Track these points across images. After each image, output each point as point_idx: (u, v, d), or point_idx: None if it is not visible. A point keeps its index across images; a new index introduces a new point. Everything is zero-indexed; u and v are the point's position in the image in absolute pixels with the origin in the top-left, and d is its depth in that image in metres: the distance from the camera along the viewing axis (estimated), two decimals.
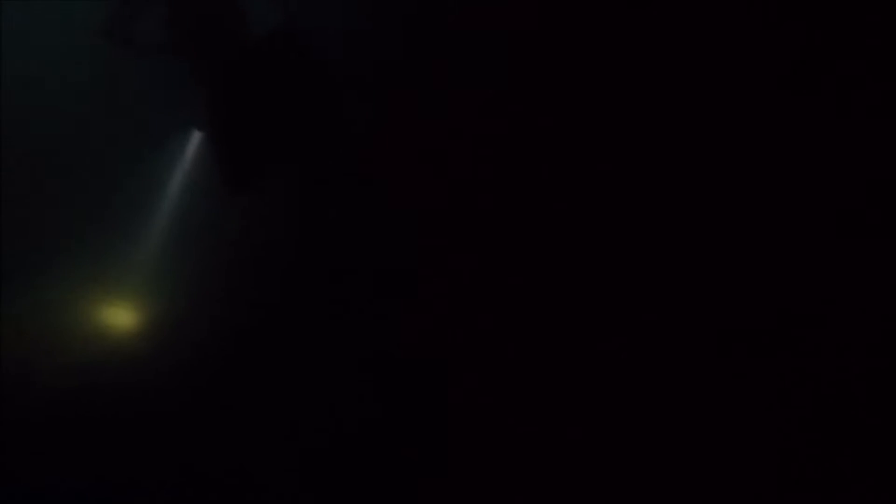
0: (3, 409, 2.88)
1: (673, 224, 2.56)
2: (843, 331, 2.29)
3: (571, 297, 2.64)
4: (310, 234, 3.02)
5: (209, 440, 2.89)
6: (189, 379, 2.94)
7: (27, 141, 3.06)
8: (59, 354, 3.00)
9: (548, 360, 2.64)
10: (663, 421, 2.45)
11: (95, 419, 2.92)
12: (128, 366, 3.01)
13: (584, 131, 2.66)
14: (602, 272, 2.62)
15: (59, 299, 3.05)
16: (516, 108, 2.75)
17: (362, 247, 2.94)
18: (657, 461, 2.42)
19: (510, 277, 2.70)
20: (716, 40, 2.54)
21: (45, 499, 2.80)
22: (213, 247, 3.05)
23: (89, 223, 3.07)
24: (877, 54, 2.32)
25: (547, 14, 2.69)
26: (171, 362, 2.97)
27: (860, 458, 2.20)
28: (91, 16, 2.77)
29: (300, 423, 2.85)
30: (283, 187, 3.01)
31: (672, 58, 2.56)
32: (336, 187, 3.00)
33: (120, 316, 3.09)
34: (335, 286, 2.95)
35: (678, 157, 2.59)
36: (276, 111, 2.81)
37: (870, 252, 2.29)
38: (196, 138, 3.07)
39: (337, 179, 3.00)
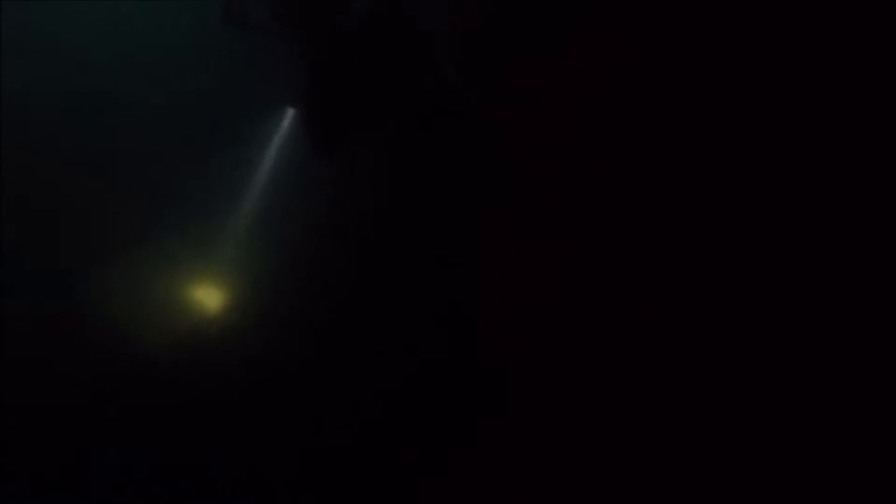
0: (85, 391, 2.87)
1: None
2: (844, 331, 2.30)
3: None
4: (401, 221, 2.96)
5: (289, 426, 2.82)
6: (270, 363, 2.89)
7: (118, 122, 3.09)
8: (143, 336, 2.98)
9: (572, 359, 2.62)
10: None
11: (174, 402, 2.88)
12: (209, 349, 2.97)
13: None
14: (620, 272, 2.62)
15: (146, 279, 3.04)
16: (612, 90, 2.70)
17: (459, 232, 2.86)
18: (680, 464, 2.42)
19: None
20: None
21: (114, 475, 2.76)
22: (301, 231, 3.02)
23: (178, 205, 3.07)
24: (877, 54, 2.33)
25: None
26: (253, 345, 2.93)
27: (860, 458, 2.21)
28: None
29: (385, 411, 2.78)
30: (375, 170, 2.98)
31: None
32: (431, 168, 2.94)
33: (205, 297, 3.07)
34: (425, 274, 2.87)
35: (685, 157, 2.60)
36: (374, 87, 2.80)
37: (870, 252, 2.30)
38: (289, 117, 3.06)
39: (433, 160, 2.95)
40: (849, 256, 2.33)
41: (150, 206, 3.06)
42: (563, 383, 2.59)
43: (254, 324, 2.95)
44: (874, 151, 2.35)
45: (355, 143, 2.91)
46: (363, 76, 2.80)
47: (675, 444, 2.43)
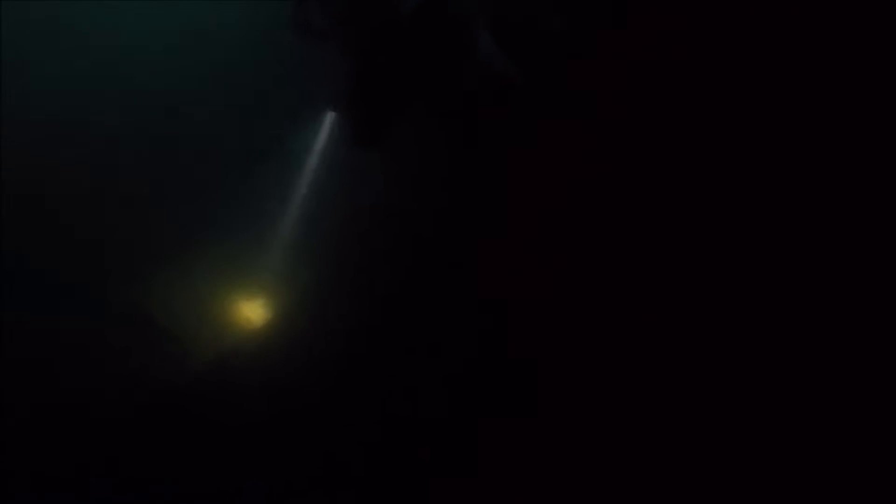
0: (136, 405, 2.83)
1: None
2: (844, 331, 2.30)
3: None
4: (443, 221, 2.93)
5: (337, 439, 2.78)
6: (322, 376, 2.85)
7: (162, 128, 3.10)
8: (188, 349, 2.95)
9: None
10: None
11: (222, 418, 2.84)
12: (258, 362, 2.93)
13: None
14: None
15: (191, 291, 3.02)
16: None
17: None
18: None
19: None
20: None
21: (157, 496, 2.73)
22: (346, 238, 2.99)
23: (221, 215, 3.05)
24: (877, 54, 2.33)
25: None
26: (302, 358, 2.88)
27: (860, 458, 2.21)
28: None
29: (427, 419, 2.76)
30: (416, 167, 2.95)
31: None
32: (471, 169, 2.92)
33: (251, 309, 3.03)
34: (473, 278, 2.84)
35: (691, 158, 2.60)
36: (417, 83, 2.82)
37: (870, 252, 2.30)
38: (329, 121, 3.06)
39: (474, 160, 2.93)
40: (849, 256, 2.33)
41: (195, 214, 3.05)
42: (587, 383, 2.58)
43: (302, 331, 2.92)
44: (874, 152, 2.35)
45: (398, 140, 2.90)
46: (407, 72, 2.81)
47: (677, 444, 2.43)
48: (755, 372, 2.39)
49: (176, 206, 3.08)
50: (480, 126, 2.88)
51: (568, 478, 2.50)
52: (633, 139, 2.67)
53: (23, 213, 2.99)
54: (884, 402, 2.21)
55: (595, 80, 2.74)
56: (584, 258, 2.68)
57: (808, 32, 2.46)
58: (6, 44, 3.01)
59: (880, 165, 2.33)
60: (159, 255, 3.04)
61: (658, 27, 2.67)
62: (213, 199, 3.08)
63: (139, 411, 2.82)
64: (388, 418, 2.77)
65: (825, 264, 2.37)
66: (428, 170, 2.96)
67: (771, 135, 2.49)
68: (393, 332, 2.87)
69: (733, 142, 2.53)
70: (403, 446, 2.72)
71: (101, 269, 3.02)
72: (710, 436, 2.39)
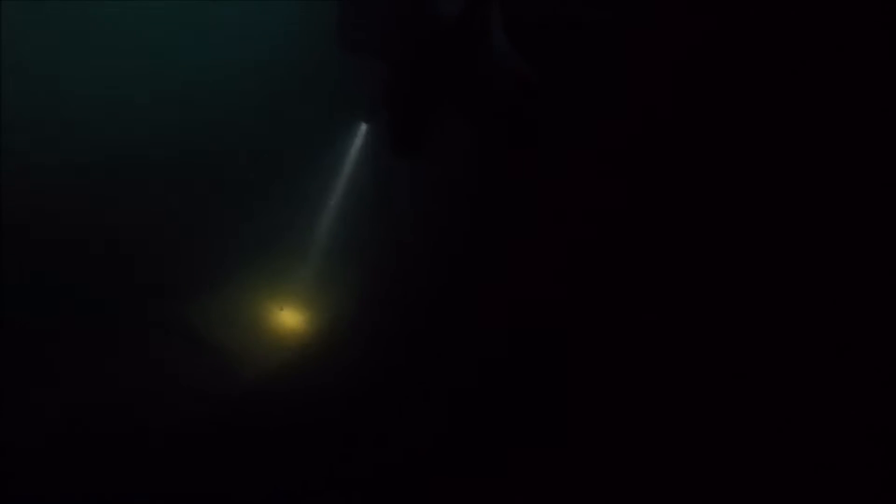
0: (171, 418, 2.86)
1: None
2: (844, 331, 2.30)
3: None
4: (483, 238, 2.95)
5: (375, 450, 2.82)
6: (360, 382, 2.86)
7: (198, 143, 3.10)
8: (224, 359, 2.95)
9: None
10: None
11: (257, 430, 2.86)
12: (295, 373, 2.94)
13: None
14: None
15: (227, 302, 3.03)
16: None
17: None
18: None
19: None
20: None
21: None
22: (382, 248, 3.00)
23: (255, 226, 3.06)
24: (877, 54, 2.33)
25: None
26: (339, 369, 2.90)
27: (860, 458, 2.21)
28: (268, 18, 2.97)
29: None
30: (454, 187, 2.99)
31: None
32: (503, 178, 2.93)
33: (287, 320, 3.04)
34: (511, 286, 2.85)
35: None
36: (453, 89, 2.83)
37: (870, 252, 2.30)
38: (365, 130, 3.07)
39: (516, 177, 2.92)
40: (849, 256, 2.33)
41: (231, 225, 3.05)
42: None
43: (341, 340, 2.93)
44: (875, 152, 2.35)
45: (433, 148, 2.91)
46: (442, 78, 2.82)
47: (677, 445, 2.44)
48: (755, 372, 2.40)
49: (212, 217, 3.08)
50: (499, 127, 2.88)
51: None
52: (646, 141, 2.67)
53: (61, 224, 3.00)
54: (884, 402, 2.21)
55: (602, 78, 2.75)
56: (626, 262, 2.67)
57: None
58: (8, 44, 3.00)
59: (881, 165, 2.33)
60: (197, 266, 3.05)
61: (663, 25, 2.67)
62: (250, 208, 3.09)
63: (174, 418, 2.84)
64: (425, 422, 2.78)
65: (825, 264, 2.37)
66: (464, 177, 2.96)
67: (770, 136, 2.49)
68: (431, 339, 2.88)
69: (733, 142, 2.54)
70: (442, 452, 2.74)
71: (140, 281, 3.03)
72: (710, 435, 2.40)
